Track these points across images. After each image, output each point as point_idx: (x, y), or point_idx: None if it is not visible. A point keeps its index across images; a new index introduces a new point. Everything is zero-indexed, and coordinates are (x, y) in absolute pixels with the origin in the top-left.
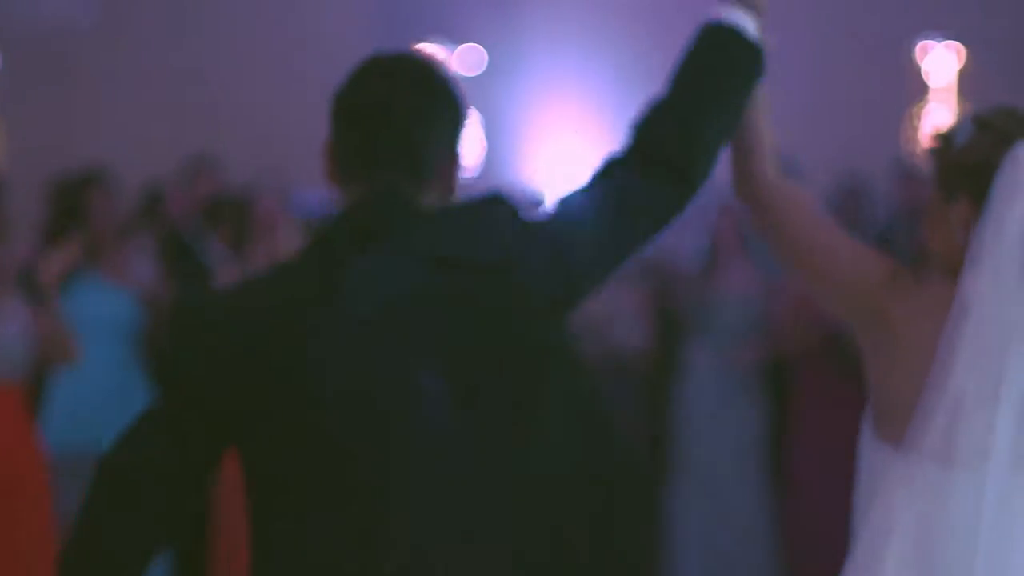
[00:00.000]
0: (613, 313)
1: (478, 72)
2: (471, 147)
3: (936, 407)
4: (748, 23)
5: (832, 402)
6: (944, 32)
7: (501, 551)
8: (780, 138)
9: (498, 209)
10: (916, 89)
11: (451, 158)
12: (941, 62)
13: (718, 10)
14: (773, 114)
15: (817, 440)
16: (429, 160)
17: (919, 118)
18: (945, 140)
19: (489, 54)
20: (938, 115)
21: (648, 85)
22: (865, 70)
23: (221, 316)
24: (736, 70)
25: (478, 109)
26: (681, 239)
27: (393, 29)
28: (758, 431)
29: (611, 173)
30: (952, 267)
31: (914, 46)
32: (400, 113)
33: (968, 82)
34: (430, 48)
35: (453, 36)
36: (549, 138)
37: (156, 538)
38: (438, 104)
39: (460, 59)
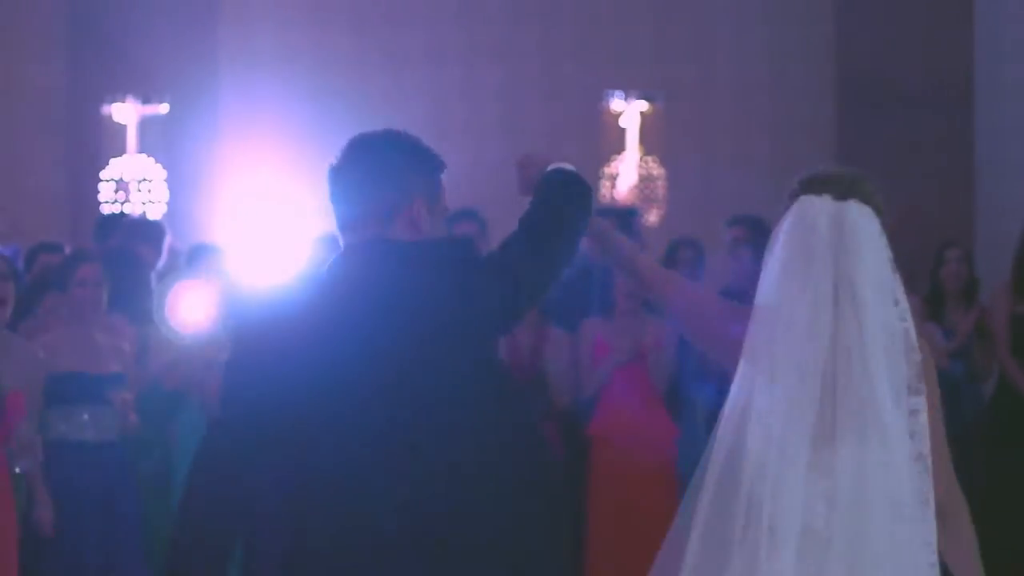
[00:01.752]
0: None
1: (170, 123)
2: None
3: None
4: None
5: None
6: (633, 88)
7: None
8: (476, 195)
9: (453, 247)
10: (609, 144)
11: (406, 203)
12: (631, 117)
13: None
14: (468, 172)
15: None
16: (388, 206)
17: (612, 172)
18: None
19: (182, 107)
20: (628, 168)
21: (342, 135)
22: (558, 126)
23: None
24: (572, 197)
25: (169, 158)
26: None
27: (84, 85)
28: None
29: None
30: None
31: (605, 102)
32: (356, 177)
33: (653, 135)
34: (122, 106)
35: (146, 91)
36: (240, 184)
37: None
38: (389, 164)
39: (152, 113)
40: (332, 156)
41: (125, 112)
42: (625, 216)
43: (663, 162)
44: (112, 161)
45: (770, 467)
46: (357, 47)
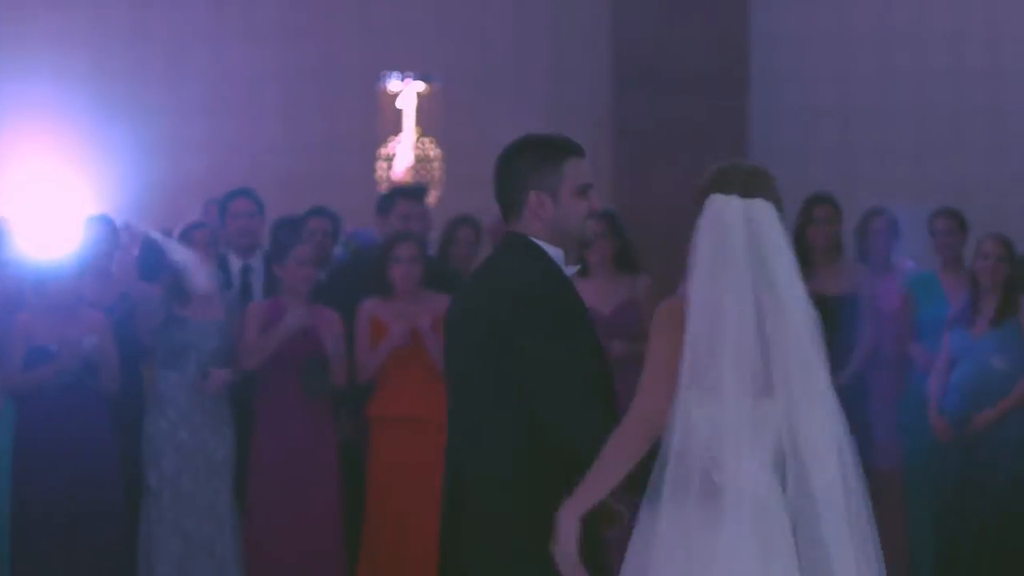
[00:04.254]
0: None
1: None
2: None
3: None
4: None
5: (291, 421)
6: (410, 69)
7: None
8: (253, 174)
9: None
10: (386, 124)
11: (524, 196)
12: (408, 98)
13: None
14: (246, 151)
15: (276, 459)
16: (512, 202)
17: (388, 152)
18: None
19: None
20: (405, 149)
21: (118, 116)
22: (335, 106)
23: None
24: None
25: None
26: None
27: None
28: (227, 454)
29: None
30: None
31: (383, 83)
32: (498, 172)
33: (430, 116)
34: None
35: None
36: (20, 163)
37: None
38: (513, 160)
39: None
40: (109, 137)
41: None
42: (416, 192)
43: (440, 143)
44: None
45: (719, 439)
46: (136, 26)
